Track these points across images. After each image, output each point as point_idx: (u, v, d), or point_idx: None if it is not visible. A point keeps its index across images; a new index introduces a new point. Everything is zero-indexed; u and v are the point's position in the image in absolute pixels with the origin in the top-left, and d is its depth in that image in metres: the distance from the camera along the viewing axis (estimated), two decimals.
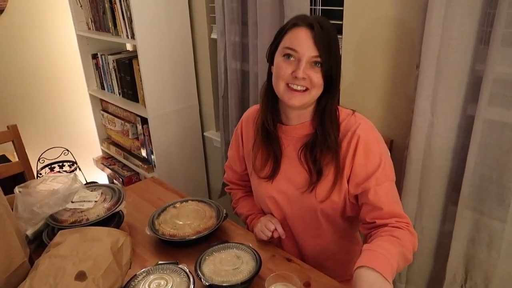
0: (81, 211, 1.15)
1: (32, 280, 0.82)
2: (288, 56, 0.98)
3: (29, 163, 1.79)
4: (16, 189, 1.13)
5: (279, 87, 1.00)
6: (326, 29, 0.96)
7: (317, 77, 0.97)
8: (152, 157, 2.30)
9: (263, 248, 1.13)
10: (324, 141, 1.01)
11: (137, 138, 2.40)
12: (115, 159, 2.68)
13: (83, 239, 0.94)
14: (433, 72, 1.15)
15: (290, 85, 0.98)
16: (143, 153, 2.38)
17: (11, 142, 1.73)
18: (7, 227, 0.87)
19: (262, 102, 1.10)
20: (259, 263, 0.99)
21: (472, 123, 1.13)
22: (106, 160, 2.71)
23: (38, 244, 1.16)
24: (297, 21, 0.98)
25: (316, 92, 0.99)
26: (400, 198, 1.31)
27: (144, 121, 2.24)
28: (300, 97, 0.99)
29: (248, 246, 1.05)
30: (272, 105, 1.08)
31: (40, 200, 1.11)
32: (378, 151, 1.01)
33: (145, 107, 2.15)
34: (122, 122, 2.43)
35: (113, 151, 2.63)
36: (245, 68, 1.91)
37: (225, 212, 1.21)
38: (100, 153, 2.80)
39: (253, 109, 1.21)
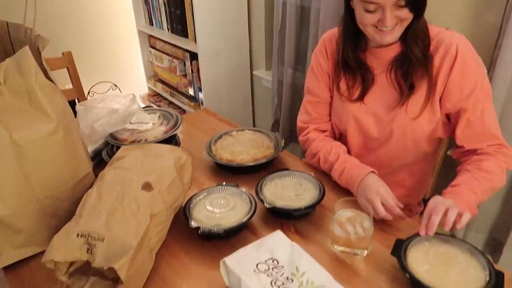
0: (139, 132, 1.15)
1: (100, 188, 0.82)
2: (368, 10, 0.91)
3: (83, 91, 1.80)
4: (78, 106, 1.13)
5: (368, 31, 0.96)
6: None
7: (405, 14, 0.91)
8: (200, 94, 2.27)
9: (325, 179, 1.08)
10: (413, 58, 0.96)
11: (184, 75, 2.37)
12: (162, 96, 2.68)
13: (146, 155, 0.92)
14: None
15: (378, 27, 0.93)
16: (190, 91, 2.36)
17: (65, 71, 1.73)
18: (74, 135, 0.87)
19: (342, 33, 1.04)
20: (322, 192, 0.96)
21: None
22: (153, 97, 2.72)
23: (97, 162, 1.17)
24: None
25: (406, 23, 0.94)
26: None
27: (193, 57, 2.19)
28: (391, 34, 0.94)
29: (310, 175, 1.02)
30: (354, 35, 1.02)
31: (101, 117, 1.11)
32: (476, 69, 0.94)
33: (195, 42, 2.09)
34: (170, 58, 2.39)
35: (159, 88, 2.62)
36: (305, 4, 1.80)
37: (283, 142, 1.17)
38: (146, 90, 2.81)
39: (334, 30, 1.12)
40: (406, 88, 0.98)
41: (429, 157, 1.12)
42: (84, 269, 0.79)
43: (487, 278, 0.72)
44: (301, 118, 1.21)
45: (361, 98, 1.06)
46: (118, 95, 1.20)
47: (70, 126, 0.86)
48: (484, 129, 0.95)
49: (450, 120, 1.01)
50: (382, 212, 0.86)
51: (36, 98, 0.77)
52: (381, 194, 0.88)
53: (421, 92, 0.98)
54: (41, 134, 0.78)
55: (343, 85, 1.08)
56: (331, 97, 1.15)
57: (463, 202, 0.85)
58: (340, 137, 1.19)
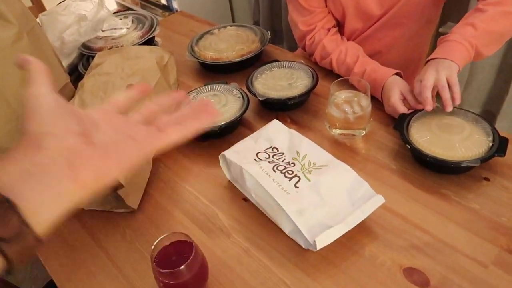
0: (114, 39, 1.06)
1: (82, 96, 0.77)
2: None
3: (45, 9, 1.66)
4: (40, 16, 1.02)
5: None
6: None
7: None
8: (173, 3, 2.12)
9: (317, 66, 1.04)
10: None
11: None
12: (133, 10, 2.50)
13: (125, 58, 0.86)
14: None
15: None
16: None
17: None
18: (42, 41, 0.79)
19: None
20: (315, 78, 0.92)
21: None
22: (123, 13, 2.53)
23: (75, 78, 1.10)
24: None
25: None
26: None
27: None
28: None
29: (301, 63, 0.97)
30: None
31: (69, 25, 1.01)
32: None
33: None
34: None
35: (128, 1, 2.44)
36: None
37: (269, 34, 1.10)
38: (114, 6, 2.61)
39: None
40: None
41: (430, 26, 1.05)
42: None
43: (490, 144, 0.71)
44: (302, 20, 1.03)
45: None
46: (82, 1, 1.09)
47: (35, 31, 0.78)
48: None
49: None
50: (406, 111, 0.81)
51: None
52: (402, 94, 0.82)
53: None
54: (4, 42, 0.70)
55: None
56: None
57: (457, 39, 0.78)
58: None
